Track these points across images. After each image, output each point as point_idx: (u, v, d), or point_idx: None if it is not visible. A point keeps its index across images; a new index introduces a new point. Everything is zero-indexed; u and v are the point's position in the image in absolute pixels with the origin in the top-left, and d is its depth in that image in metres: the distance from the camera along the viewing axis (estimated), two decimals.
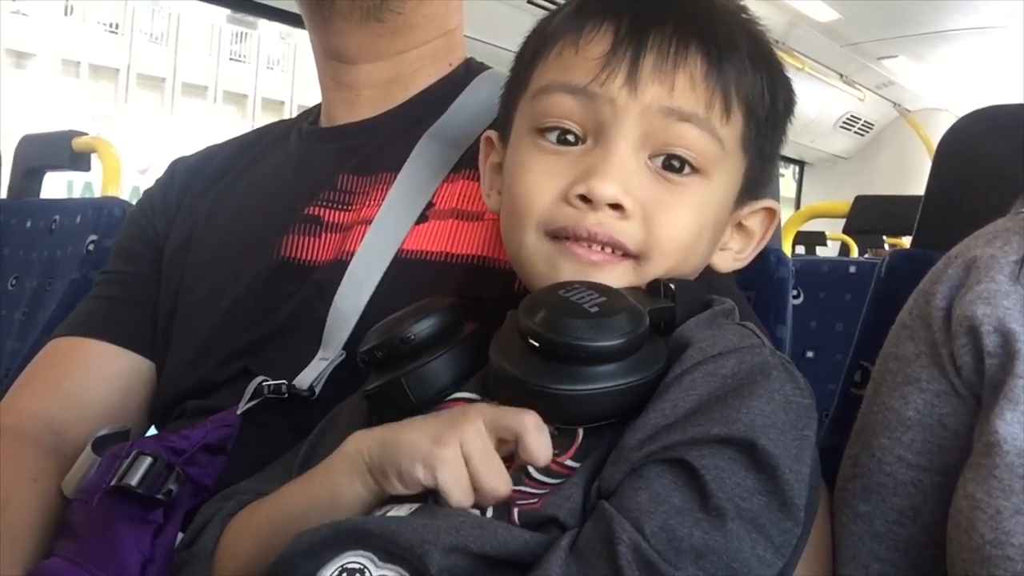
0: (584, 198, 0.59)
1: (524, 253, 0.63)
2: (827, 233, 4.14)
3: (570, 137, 0.62)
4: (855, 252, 3.90)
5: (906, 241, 0.95)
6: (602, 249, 0.60)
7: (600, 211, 0.59)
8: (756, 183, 0.67)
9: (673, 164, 0.61)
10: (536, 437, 0.54)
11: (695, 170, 0.62)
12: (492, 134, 0.72)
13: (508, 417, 0.55)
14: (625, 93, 0.60)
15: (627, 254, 0.61)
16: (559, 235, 0.61)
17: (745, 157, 0.65)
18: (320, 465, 0.61)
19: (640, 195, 0.60)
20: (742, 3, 0.66)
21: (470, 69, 0.93)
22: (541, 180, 0.62)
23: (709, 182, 0.62)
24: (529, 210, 0.62)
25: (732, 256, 0.70)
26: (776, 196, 0.73)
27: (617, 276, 0.61)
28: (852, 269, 1.75)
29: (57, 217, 1.70)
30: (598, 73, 0.60)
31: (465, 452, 0.54)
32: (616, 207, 0.59)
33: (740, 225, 0.69)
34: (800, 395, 0.55)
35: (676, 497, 0.51)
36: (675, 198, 0.61)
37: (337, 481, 0.58)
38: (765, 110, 0.65)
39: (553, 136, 0.62)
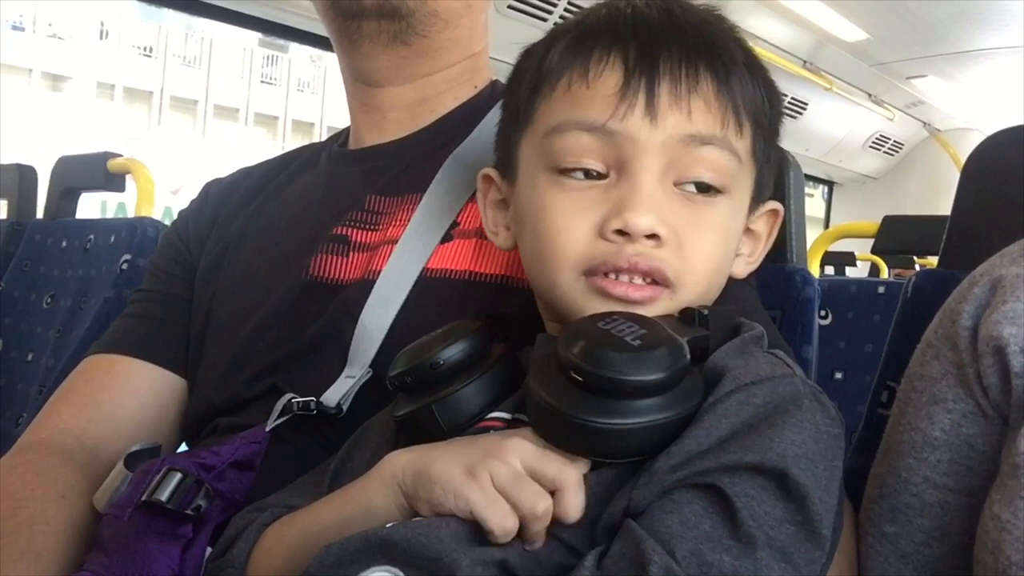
0: (621, 232, 0.59)
1: (558, 292, 0.62)
2: (856, 253, 4.10)
3: (592, 173, 0.61)
4: (885, 272, 3.86)
5: (935, 261, 0.94)
6: (643, 280, 0.60)
7: (637, 242, 0.59)
8: (762, 188, 0.68)
9: (699, 185, 0.62)
10: (577, 495, 0.53)
11: (719, 190, 0.62)
12: (491, 171, 0.71)
13: (552, 466, 0.54)
14: (646, 127, 0.59)
15: (664, 283, 0.60)
16: (597, 271, 0.60)
17: (755, 166, 0.66)
18: (356, 482, 0.61)
19: (673, 222, 0.60)
20: (718, 12, 0.66)
21: (495, 91, 0.94)
22: (571, 220, 0.61)
23: (731, 198, 0.63)
24: (564, 252, 0.61)
25: (745, 260, 0.71)
26: (779, 197, 0.72)
27: (655, 310, 0.60)
28: (880, 289, 1.73)
29: (92, 237, 1.72)
30: (615, 109, 0.59)
31: (497, 484, 0.53)
32: (652, 236, 0.59)
33: (747, 229, 0.70)
34: (830, 425, 0.55)
35: (707, 523, 0.51)
36: (702, 219, 0.61)
37: (372, 500, 0.58)
38: (767, 117, 0.65)
39: (578, 175, 0.61)
